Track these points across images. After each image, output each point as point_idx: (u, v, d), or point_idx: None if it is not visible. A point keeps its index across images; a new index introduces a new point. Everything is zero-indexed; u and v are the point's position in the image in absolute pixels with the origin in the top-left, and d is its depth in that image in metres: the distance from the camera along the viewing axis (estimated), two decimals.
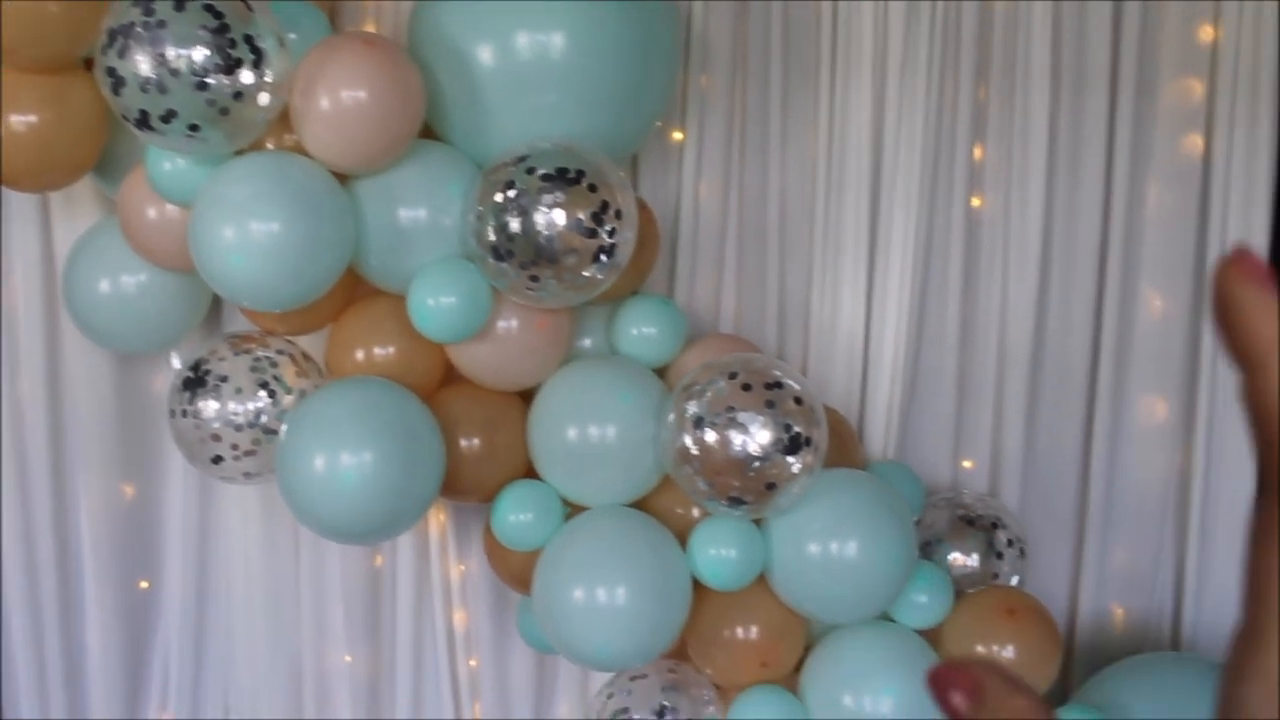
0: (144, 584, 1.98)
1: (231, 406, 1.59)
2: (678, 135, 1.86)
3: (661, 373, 1.70)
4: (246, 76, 1.33)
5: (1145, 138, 1.88)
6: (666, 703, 1.64)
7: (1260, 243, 1.84)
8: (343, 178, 1.50)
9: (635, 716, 1.64)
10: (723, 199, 1.86)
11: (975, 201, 1.88)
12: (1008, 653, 1.65)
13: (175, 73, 1.29)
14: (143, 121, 1.32)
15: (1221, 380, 1.87)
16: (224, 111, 1.34)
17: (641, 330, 1.68)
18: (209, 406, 1.58)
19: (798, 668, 1.70)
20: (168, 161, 1.43)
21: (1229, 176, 1.84)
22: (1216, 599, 1.90)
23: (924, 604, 1.67)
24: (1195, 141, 1.87)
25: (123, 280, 1.63)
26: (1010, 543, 1.78)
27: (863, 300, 1.86)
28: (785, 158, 1.86)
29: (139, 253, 1.57)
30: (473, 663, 1.99)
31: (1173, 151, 1.88)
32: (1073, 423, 1.92)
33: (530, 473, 1.66)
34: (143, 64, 1.28)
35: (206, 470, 1.64)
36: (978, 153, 1.87)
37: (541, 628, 1.61)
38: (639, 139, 1.72)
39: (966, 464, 1.92)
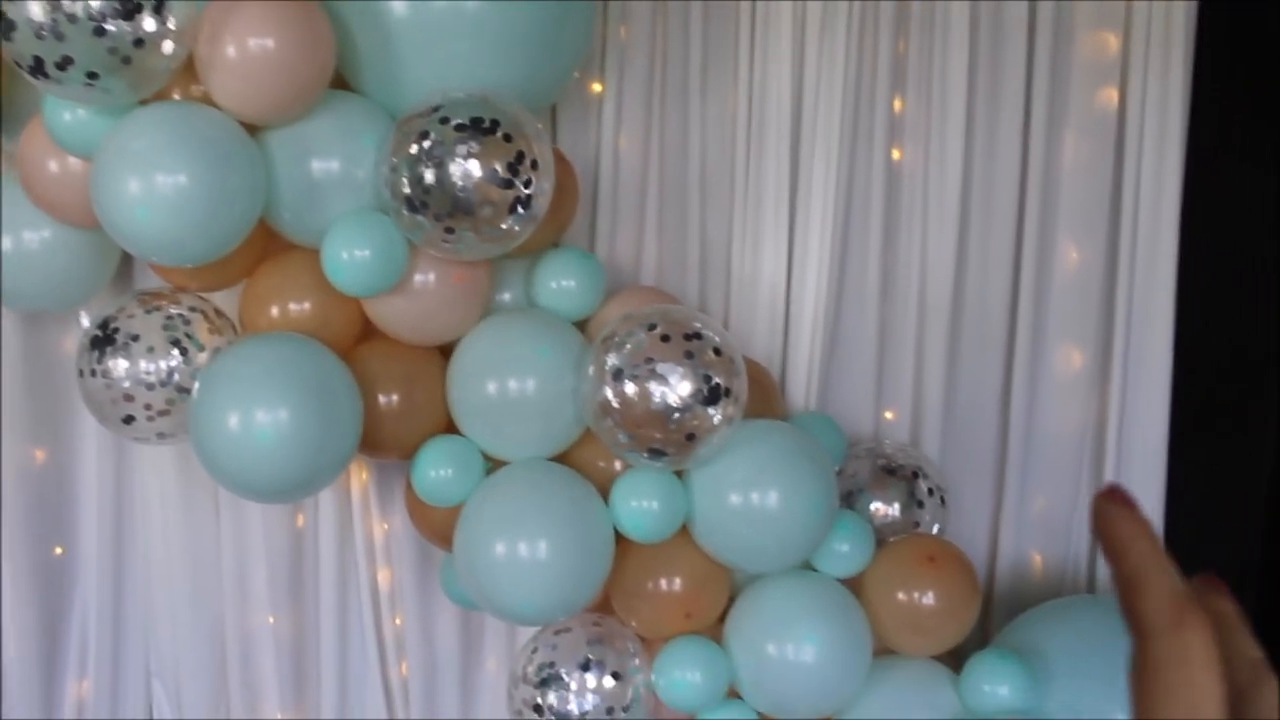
0: (59, 550, 1.94)
1: (143, 365, 1.55)
2: (596, 87, 1.84)
3: (582, 326, 1.70)
4: (148, 23, 1.29)
5: (1062, 90, 1.89)
6: (592, 656, 1.64)
7: (1173, 193, 1.87)
8: (252, 129, 1.46)
9: (561, 670, 1.64)
10: (643, 151, 1.86)
11: (895, 154, 1.89)
12: (928, 599, 1.68)
13: (71, 18, 1.25)
14: (37, 69, 1.27)
15: (1135, 330, 1.90)
16: (125, 60, 1.30)
17: (561, 283, 1.66)
18: (119, 365, 1.55)
19: (722, 618, 1.71)
20: (67, 112, 1.39)
21: (1143, 128, 1.87)
22: None
23: (845, 553, 1.69)
24: (1110, 94, 1.90)
25: (25, 237, 1.58)
26: (931, 492, 1.80)
27: (784, 252, 1.87)
28: (705, 110, 1.85)
29: (41, 208, 1.52)
30: (398, 621, 1.98)
31: (1088, 104, 1.90)
32: (991, 372, 1.94)
33: (450, 428, 1.64)
34: (35, 7, 1.23)
35: (118, 431, 1.60)
36: (897, 105, 1.88)
37: (464, 584, 1.60)
38: (556, 90, 1.71)
39: (888, 415, 1.94)
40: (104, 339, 1.54)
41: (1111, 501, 0.46)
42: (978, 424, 1.96)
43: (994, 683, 1.65)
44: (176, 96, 1.44)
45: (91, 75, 1.29)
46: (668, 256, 1.88)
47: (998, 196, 1.89)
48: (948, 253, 1.88)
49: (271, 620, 1.96)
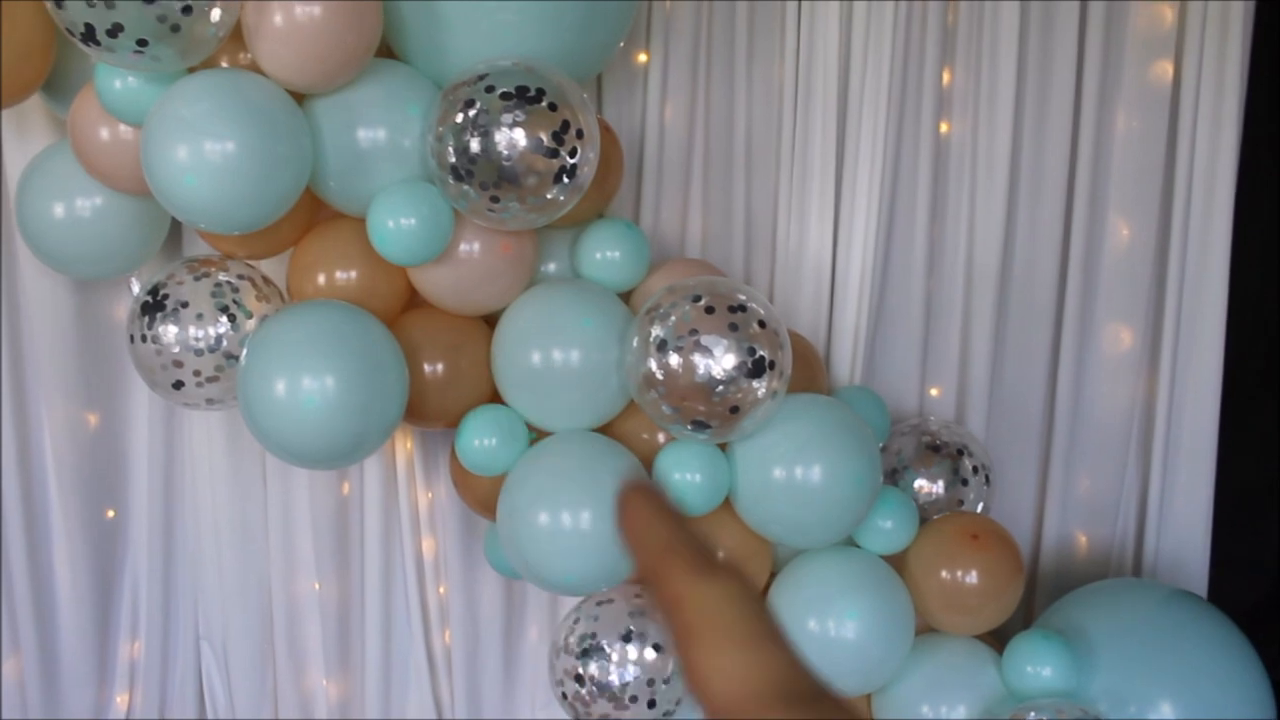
0: (110, 513, 1.97)
1: (192, 331, 1.57)
2: (642, 57, 1.84)
3: (627, 298, 1.70)
4: None
5: (1114, 64, 1.87)
6: (634, 627, 1.65)
7: (1228, 170, 1.83)
8: (299, 97, 1.47)
9: (602, 641, 1.64)
10: (688, 122, 1.85)
11: (943, 127, 1.87)
12: (971, 577, 1.67)
13: None
14: (88, 36, 1.28)
15: (1186, 309, 1.87)
16: (174, 28, 1.30)
17: (606, 254, 1.66)
18: (169, 332, 1.56)
19: (764, 592, 1.71)
20: (118, 79, 1.40)
21: (1197, 104, 1.83)
22: (1178, 526, 1.92)
23: (889, 529, 1.68)
24: (1164, 68, 1.86)
25: (77, 204, 1.60)
26: (976, 470, 1.79)
27: (830, 225, 1.85)
28: (752, 80, 1.84)
29: (93, 175, 1.54)
30: (442, 590, 2.00)
31: (1141, 78, 1.87)
32: (1039, 350, 1.92)
33: (495, 397, 1.65)
34: None
35: (168, 397, 1.62)
36: (946, 77, 1.86)
37: (507, 553, 1.61)
38: (601, 60, 1.70)
39: (933, 391, 1.93)
40: (154, 305, 1.56)
41: (636, 493, 0.46)
42: (1024, 402, 1.94)
43: (1037, 664, 1.64)
44: (224, 64, 1.45)
45: (141, 42, 1.30)
46: (713, 228, 1.87)
47: (1047, 171, 1.87)
48: (995, 228, 1.86)
49: (317, 586, 1.98)
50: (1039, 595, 1.97)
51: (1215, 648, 1.65)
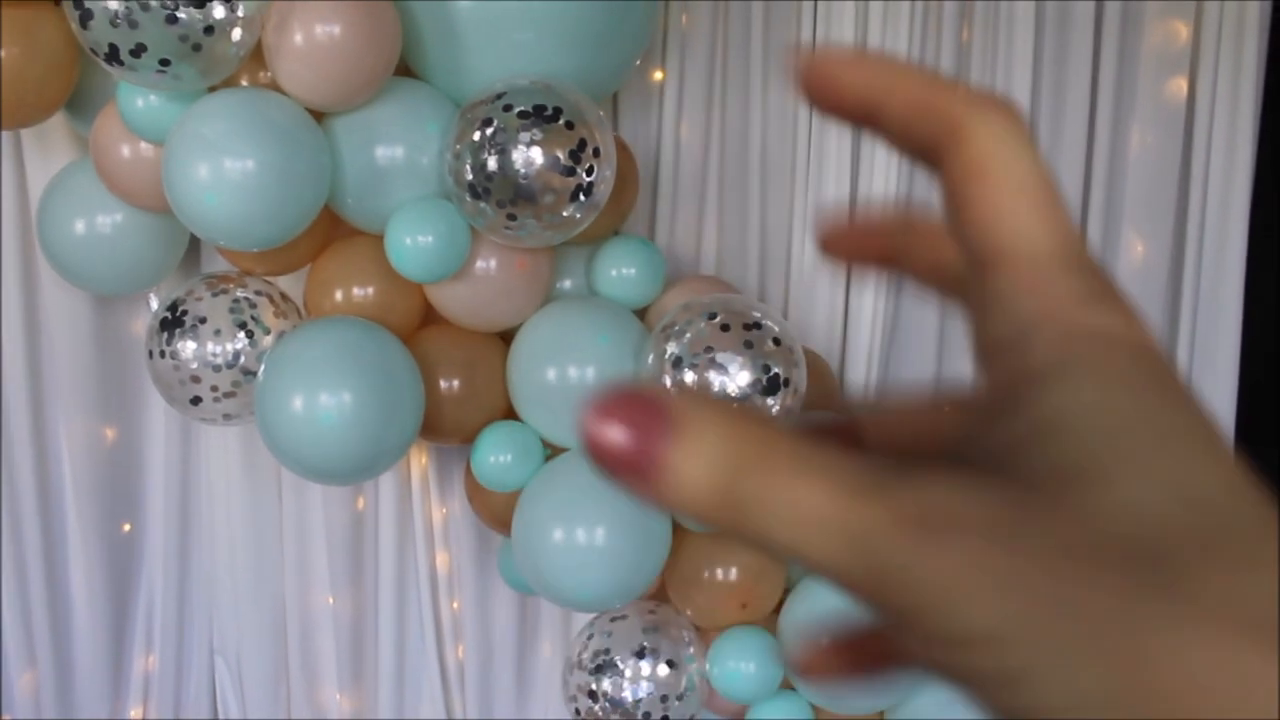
0: (126, 527, 1.98)
1: (210, 347, 1.58)
2: (658, 75, 1.84)
3: (642, 314, 1.70)
4: (218, 11, 1.31)
5: (1129, 81, 1.87)
6: (647, 643, 1.65)
7: (1243, 188, 1.83)
8: (319, 115, 1.48)
9: (615, 657, 1.65)
10: (704, 139, 1.85)
11: None
12: None
13: (145, 6, 1.27)
14: (112, 56, 1.30)
15: (1201, 326, 1.87)
16: (196, 47, 1.32)
17: (621, 271, 1.67)
18: (187, 347, 1.57)
19: (777, 609, 1.71)
20: (140, 98, 1.41)
21: (1212, 121, 1.83)
22: None
23: None
24: (1179, 85, 1.86)
25: (98, 220, 1.61)
26: None
27: None
28: (767, 98, 1.85)
29: (114, 192, 1.55)
30: (455, 605, 2.00)
31: (1156, 95, 1.87)
32: None
33: (510, 414, 1.66)
34: None
35: (185, 412, 1.63)
36: None
37: (521, 569, 1.62)
38: (618, 78, 1.71)
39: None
40: (173, 321, 1.57)
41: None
42: None
43: None
44: (245, 83, 1.47)
45: (163, 62, 1.31)
46: (728, 245, 1.88)
47: (1061, 188, 1.87)
48: None
49: (331, 601, 1.99)
50: None
51: None
